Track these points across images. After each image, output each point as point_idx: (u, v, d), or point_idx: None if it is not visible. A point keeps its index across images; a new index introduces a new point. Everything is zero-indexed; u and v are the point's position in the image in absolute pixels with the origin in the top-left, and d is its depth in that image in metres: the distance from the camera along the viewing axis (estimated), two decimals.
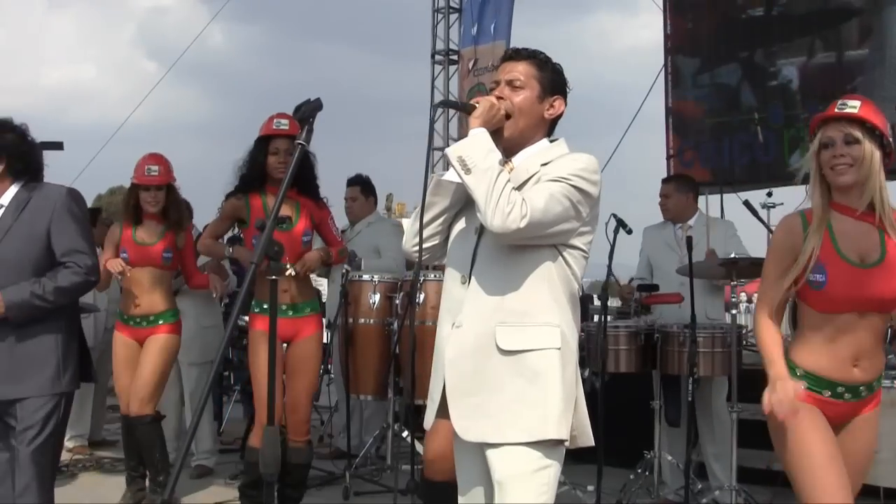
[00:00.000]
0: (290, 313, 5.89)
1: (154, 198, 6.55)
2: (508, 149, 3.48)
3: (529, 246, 3.31)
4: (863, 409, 3.83)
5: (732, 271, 6.07)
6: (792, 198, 10.55)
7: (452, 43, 14.05)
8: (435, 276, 7.20)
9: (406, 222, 3.68)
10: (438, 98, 13.76)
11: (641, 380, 6.99)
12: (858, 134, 3.68)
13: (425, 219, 3.52)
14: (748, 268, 6.14)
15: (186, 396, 7.89)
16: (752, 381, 5.70)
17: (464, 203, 3.51)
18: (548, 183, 3.30)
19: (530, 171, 3.41)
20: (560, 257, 3.39)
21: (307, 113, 3.10)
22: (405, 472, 6.87)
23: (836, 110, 3.74)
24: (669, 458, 6.67)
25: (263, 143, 5.93)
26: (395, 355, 7.18)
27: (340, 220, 7.95)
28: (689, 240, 6.04)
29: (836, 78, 10.73)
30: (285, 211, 5.87)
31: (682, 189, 7.11)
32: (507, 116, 3.46)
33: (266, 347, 5.75)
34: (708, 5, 11.91)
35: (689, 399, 6.06)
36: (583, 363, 7.31)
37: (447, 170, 3.47)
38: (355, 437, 8.02)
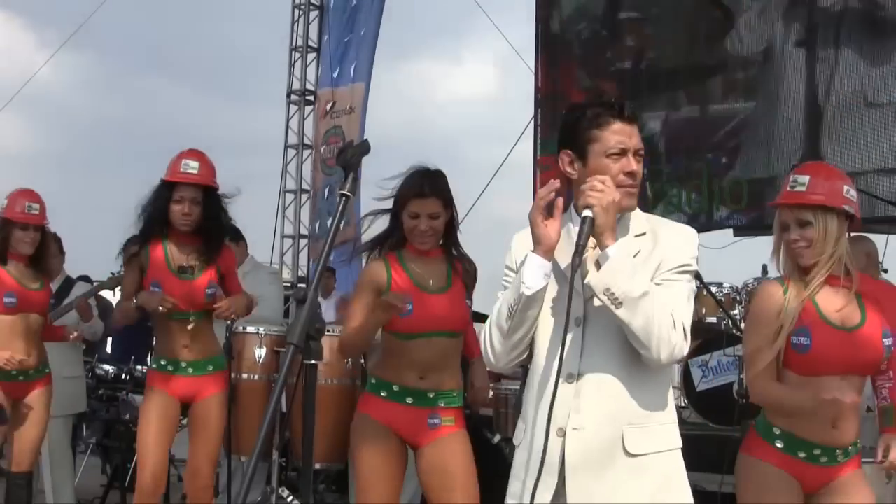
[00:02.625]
0: (190, 371, 5.44)
1: (32, 238, 5.92)
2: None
3: None
4: (841, 472, 3.80)
5: None
6: None
7: (309, 83, 13.62)
8: (330, 330, 6.79)
9: (492, 336, 3.23)
10: (293, 140, 13.38)
11: None
12: (809, 216, 3.75)
13: (517, 337, 3.14)
14: None
15: (46, 451, 7.18)
16: None
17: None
18: (677, 282, 3.08)
19: (630, 250, 3.06)
20: None
21: (353, 158, 2.59)
22: None
23: (788, 189, 3.84)
24: None
25: (167, 189, 5.40)
26: (283, 414, 6.70)
27: None
28: None
29: (700, 132, 10.77)
30: (190, 260, 5.45)
31: None
32: None
33: (157, 410, 5.37)
34: (579, 58, 11.82)
35: None
36: (492, 427, 7.04)
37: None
38: (235, 502, 7.42)
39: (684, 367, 8.30)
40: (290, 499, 7.08)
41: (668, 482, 3.06)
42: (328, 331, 6.68)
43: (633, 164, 3.12)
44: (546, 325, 3.15)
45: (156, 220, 5.42)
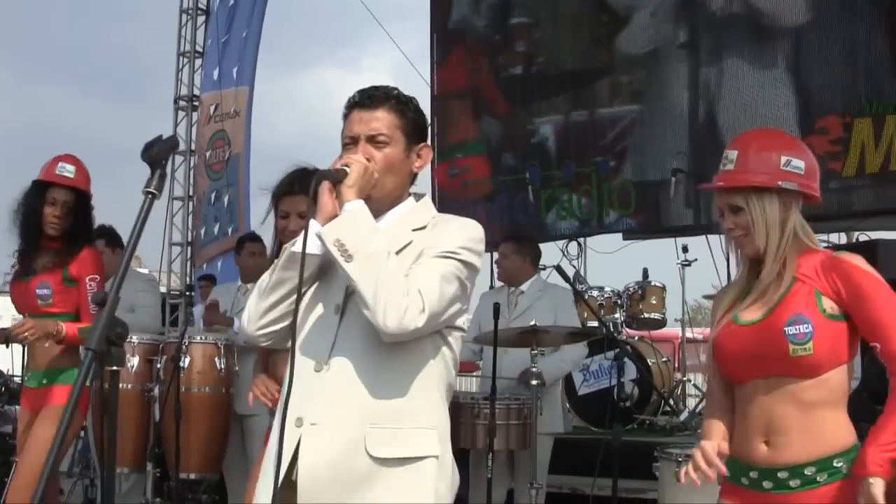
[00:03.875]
0: (33, 383, 5.21)
1: None
2: (372, 212, 2.90)
3: None
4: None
5: (533, 339, 5.77)
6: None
7: (196, 89, 13.35)
8: (201, 337, 6.68)
9: (250, 300, 3.06)
10: (182, 146, 13.07)
11: None
12: (740, 201, 3.19)
13: (273, 298, 2.93)
14: (547, 336, 5.90)
15: None
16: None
17: (317, 276, 2.97)
18: (435, 260, 2.84)
19: (402, 240, 2.91)
20: (442, 341, 2.93)
21: (160, 153, 2.46)
22: None
23: (720, 169, 3.28)
24: None
25: (41, 189, 5.22)
26: (156, 424, 6.56)
27: None
28: (497, 307, 5.70)
29: (591, 135, 10.82)
30: (39, 262, 5.25)
31: (520, 251, 6.84)
32: None
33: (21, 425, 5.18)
34: (474, 64, 11.81)
35: (489, 476, 5.68)
36: None
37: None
38: None
39: None
40: None
41: (408, 493, 2.79)
42: (200, 338, 6.65)
43: (370, 151, 2.95)
44: (308, 315, 2.98)
45: (31, 222, 5.25)
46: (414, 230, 2.96)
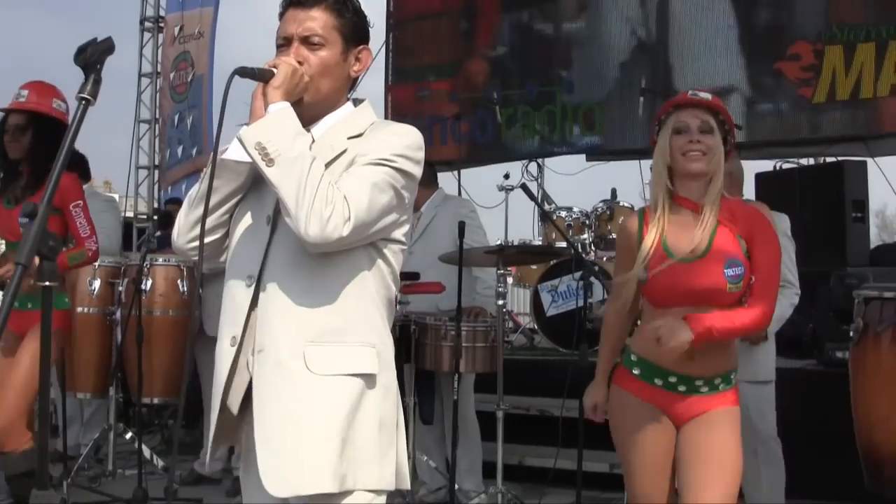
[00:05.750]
0: (30, 306, 4.93)
1: None
2: (307, 118, 2.77)
3: None
4: (710, 405, 3.61)
5: (499, 259, 5.69)
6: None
7: (162, 10, 13.10)
8: (164, 259, 6.59)
9: (180, 212, 2.94)
10: (147, 68, 12.90)
11: None
12: (713, 123, 3.64)
13: (199, 211, 2.77)
14: (515, 256, 5.82)
15: None
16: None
17: (249, 187, 2.84)
18: (366, 168, 2.69)
19: (336, 148, 2.76)
20: (377, 254, 2.79)
21: (93, 57, 2.32)
22: (130, 477, 6.34)
23: (689, 96, 3.71)
24: (425, 458, 6.25)
25: (3, 120, 5.19)
26: (118, 348, 6.48)
27: None
28: (462, 224, 5.61)
29: (553, 51, 10.74)
30: (22, 192, 5.14)
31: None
32: None
33: None
34: None
35: (455, 397, 5.63)
36: None
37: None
38: (73, 440, 7.15)
39: (534, 291, 8.25)
40: (127, 435, 6.89)
41: (351, 410, 2.68)
42: (162, 260, 6.56)
43: (304, 53, 2.80)
44: (238, 227, 2.85)
45: (2, 153, 5.21)
46: (349, 138, 2.81)
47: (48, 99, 5.22)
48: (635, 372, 3.69)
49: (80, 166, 7.20)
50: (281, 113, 2.65)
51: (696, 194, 3.65)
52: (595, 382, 3.98)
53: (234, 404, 2.77)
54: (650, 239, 3.64)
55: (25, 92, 5.20)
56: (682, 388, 3.61)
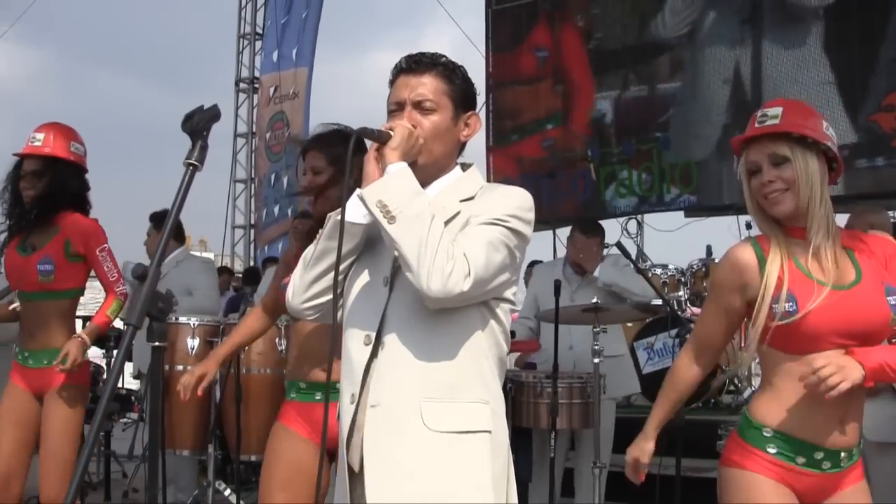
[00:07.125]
0: (31, 362, 4.97)
1: None
2: (419, 181, 2.77)
3: None
4: (844, 483, 3.04)
5: (596, 317, 5.67)
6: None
7: (257, 71, 13.41)
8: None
9: (295, 272, 2.97)
10: (243, 128, 13.19)
11: None
12: (786, 151, 3.02)
13: (318, 270, 2.84)
14: (611, 313, 5.79)
15: None
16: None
17: (363, 249, 2.88)
18: (481, 227, 2.71)
19: (449, 210, 2.80)
20: (489, 313, 2.79)
21: (200, 124, 2.36)
22: None
23: (756, 125, 3.12)
24: None
25: (18, 167, 5.03)
26: (217, 406, 6.53)
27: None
28: (558, 283, 5.60)
29: (649, 111, 10.71)
30: (39, 239, 5.00)
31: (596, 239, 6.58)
32: None
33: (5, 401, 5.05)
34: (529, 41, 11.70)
35: (552, 455, 5.60)
36: None
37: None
38: (171, 496, 7.21)
39: (630, 349, 8.18)
40: (226, 492, 6.93)
41: (463, 466, 2.67)
42: None
43: (416, 117, 2.83)
44: (355, 287, 2.88)
45: (12, 200, 5.06)
46: (462, 200, 2.84)
47: (66, 142, 5.04)
48: (770, 451, 3.02)
49: (162, 222, 7.28)
50: (401, 172, 2.70)
51: (803, 221, 3.06)
52: (644, 436, 3.51)
53: (355, 462, 2.78)
54: (777, 266, 3.02)
55: (41, 136, 5.00)
56: (826, 466, 3.01)
